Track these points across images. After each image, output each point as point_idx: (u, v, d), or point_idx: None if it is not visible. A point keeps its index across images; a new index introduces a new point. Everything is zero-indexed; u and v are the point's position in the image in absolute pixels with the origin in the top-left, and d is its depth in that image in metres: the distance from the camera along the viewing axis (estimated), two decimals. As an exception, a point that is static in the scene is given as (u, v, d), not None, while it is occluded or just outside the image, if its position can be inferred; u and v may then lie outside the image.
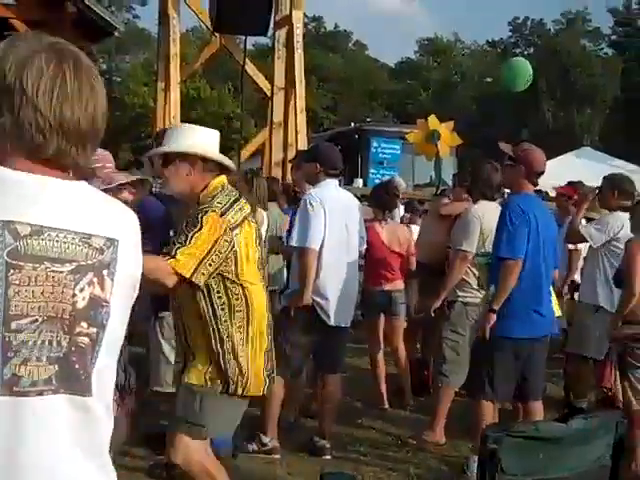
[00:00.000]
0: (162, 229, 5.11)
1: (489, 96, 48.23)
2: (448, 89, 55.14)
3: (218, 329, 3.81)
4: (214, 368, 3.85)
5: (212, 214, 3.75)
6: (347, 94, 54.19)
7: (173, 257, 3.61)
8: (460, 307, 6.25)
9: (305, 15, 16.50)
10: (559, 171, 13.40)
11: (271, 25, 14.41)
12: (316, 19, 62.42)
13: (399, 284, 7.27)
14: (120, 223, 1.82)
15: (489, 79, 52.75)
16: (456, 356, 6.22)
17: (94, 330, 1.73)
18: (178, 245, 3.65)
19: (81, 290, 1.71)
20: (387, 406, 7.11)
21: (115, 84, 49.97)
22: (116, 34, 16.42)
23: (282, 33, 14.55)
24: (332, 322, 5.73)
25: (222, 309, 3.82)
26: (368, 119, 21.43)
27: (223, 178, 3.97)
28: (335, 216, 5.71)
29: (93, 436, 1.75)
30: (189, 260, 3.64)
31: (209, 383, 3.85)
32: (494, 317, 5.18)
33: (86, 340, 1.72)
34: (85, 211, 1.76)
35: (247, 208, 3.95)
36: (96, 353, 1.74)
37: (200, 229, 3.69)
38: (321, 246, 5.64)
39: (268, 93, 15.00)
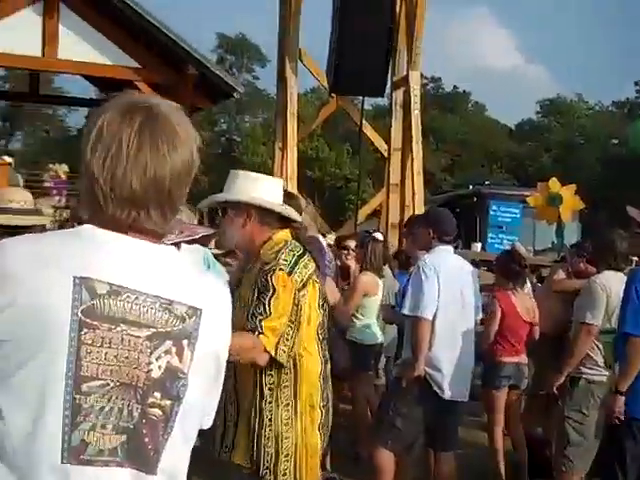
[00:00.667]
0: None
1: (615, 158, 46.97)
2: (571, 151, 54.05)
3: (261, 409, 3.49)
4: (255, 448, 3.50)
5: (281, 273, 3.43)
6: (466, 156, 53.85)
7: (261, 332, 3.34)
8: (585, 385, 5.79)
9: (423, 76, 16.43)
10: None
11: (388, 86, 14.43)
12: (435, 80, 62.48)
13: (525, 356, 6.89)
14: (207, 293, 1.72)
15: (615, 140, 51.50)
16: (581, 438, 5.74)
17: (168, 402, 1.61)
18: (260, 317, 3.35)
19: (157, 358, 1.61)
20: (506, 487, 6.68)
21: (235, 143, 51.19)
22: (236, 95, 16.74)
23: (399, 94, 14.58)
24: (446, 396, 5.45)
25: (270, 389, 3.49)
26: (487, 182, 21.06)
27: (287, 232, 3.66)
28: (449, 283, 5.49)
29: None
30: (272, 334, 3.36)
31: (251, 465, 3.52)
32: (621, 400, 4.76)
33: (158, 412, 1.60)
34: (169, 276, 1.67)
35: (311, 265, 3.61)
36: (169, 428, 1.62)
37: (274, 293, 3.39)
38: (435, 315, 5.41)
39: (385, 154, 15.00)
